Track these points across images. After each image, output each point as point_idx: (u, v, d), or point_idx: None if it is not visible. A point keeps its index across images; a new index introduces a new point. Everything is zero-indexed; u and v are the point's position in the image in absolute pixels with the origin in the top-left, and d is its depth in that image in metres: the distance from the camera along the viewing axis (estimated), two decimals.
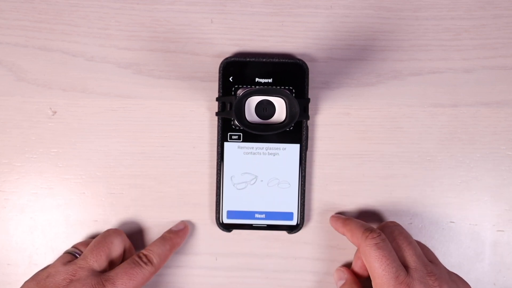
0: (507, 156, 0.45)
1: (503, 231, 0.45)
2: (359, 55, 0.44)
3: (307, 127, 0.43)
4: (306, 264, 0.45)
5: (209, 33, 0.44)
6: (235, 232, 0.44)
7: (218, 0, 0.44)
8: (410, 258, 0.39)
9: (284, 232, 0.45)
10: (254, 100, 0.40)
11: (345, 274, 0.43)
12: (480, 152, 0.45)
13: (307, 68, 0.43)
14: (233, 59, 0.43)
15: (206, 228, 0.45)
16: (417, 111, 0.45)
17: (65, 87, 0.44)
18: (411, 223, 0.45)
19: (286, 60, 0.43)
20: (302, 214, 0.44)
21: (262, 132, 0.39)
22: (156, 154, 0.45)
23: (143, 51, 0.44)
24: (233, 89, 0.43)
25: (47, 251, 0.45)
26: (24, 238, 0.45)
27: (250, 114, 0.40)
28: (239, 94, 0.42)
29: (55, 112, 0.44)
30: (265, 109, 0.40)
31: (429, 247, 0.44)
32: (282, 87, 0.43)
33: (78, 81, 0.44)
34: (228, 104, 0.42)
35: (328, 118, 0.45)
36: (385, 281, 0.37)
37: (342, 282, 0.43)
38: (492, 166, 0.45)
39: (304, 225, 0.44)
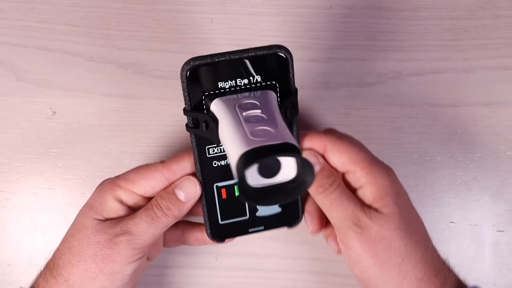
0: (507, 156, 0.45)
1: (503, 231, 0.45)
2: (359, 55, 0.44)
3: (297, 122, 0.36)
4: (306, 264, 0.45)
5: (209, 33, 0.44)
6: None
7: (218, 0, 0.44)
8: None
9: (284, 232, 0.44)
10: None
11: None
12: (480, 152, 0.45)
13: (290, 56, 0.33)
14: (198, 62, 0.32)
15: None
16: (417, 111, 0.45)
17: (65, 87, 0.44)
18: None
19: (263, 52, 0.33)
20: (302, 207, 0.39)
21: (275, 203, 0.31)
22: (156, 154, 0.45)
23: (143, 51, 0.44)
24: (203, 97, 0.33)
25: (47, 251, 0.45)
26: (24, 238, 0.45)
27: (251, 174, 0.30)
28: (211, 106, 0.33)
29: (55, 112, 0.44)
30: (269, 165, 0.31)
31: None
32: (264, 84, 0.34)
33: (78, 81, 0.44)
34: (203, 123, 0.33)
35: (328, 118, 0.45)
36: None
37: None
38: (492, 166, 0.45)
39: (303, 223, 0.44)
